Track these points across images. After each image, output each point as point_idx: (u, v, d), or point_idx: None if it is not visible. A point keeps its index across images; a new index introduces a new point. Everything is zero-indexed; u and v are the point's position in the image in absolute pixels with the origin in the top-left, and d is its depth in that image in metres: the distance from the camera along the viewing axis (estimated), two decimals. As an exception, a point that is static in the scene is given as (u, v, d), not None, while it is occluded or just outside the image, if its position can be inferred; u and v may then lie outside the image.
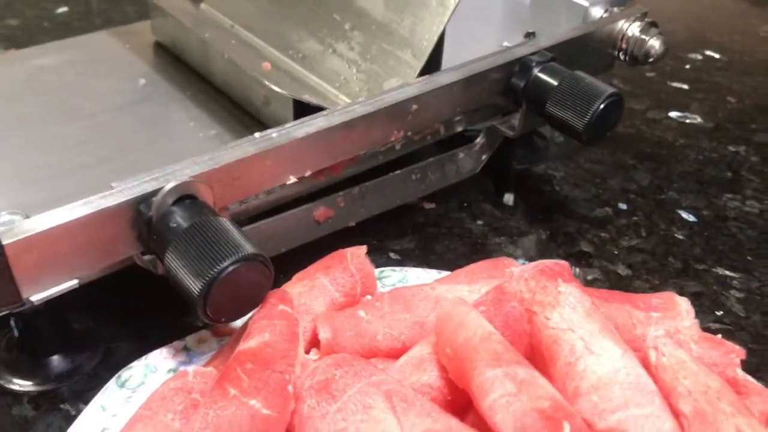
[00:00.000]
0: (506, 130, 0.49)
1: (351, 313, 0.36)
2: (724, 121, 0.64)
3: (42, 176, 0.42)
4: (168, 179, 0.34)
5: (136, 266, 0.36)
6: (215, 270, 0.30)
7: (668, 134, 0.62)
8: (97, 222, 0.33)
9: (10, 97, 0.49)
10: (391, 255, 0.48)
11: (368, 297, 0.38)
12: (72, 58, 0.53)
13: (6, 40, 0.71)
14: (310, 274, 0.38)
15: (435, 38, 0.44)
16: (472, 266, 0.39)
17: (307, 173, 0.40)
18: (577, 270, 0.47)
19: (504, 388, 0.28)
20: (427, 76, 0.44)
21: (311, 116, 0.39)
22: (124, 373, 0.36)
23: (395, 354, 0.34)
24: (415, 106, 0.42)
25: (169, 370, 0.36)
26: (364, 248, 0.39)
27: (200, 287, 0.30)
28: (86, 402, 0.37)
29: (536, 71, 0.46)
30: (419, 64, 0.44)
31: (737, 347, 0.34)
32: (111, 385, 0.36)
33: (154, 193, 0.34)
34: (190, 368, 0.33)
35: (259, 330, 0.32)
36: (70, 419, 0.37)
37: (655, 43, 0.51)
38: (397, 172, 0.46)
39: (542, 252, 0.49)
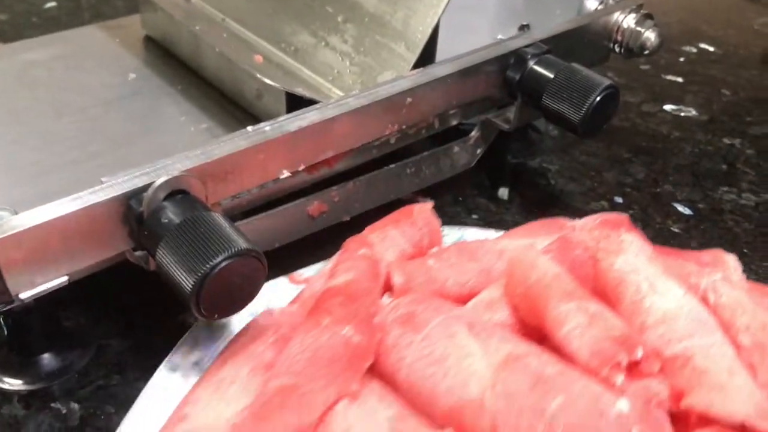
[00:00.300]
0: (501, 123, 0.48)
1: (421, 262, 0.38)
2: (719, 114, 0.64)
3: (31, 172, 0.41)
4: (159, 174, 0.34)
5: (128, 262, 0.36)
6: (208, 266, 0.30)
7: (663, 127, 0.62)
8: (87, 218, 0.33)
9: (-1, 92, 0.48)
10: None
11: (434, 249, 0.40)
12: (61, 52, 0.52)
13: (-6, 34, 0.70)
14: (380, 227, 0.40)
15: (429, 30, 0.43)
16: (530, 224, 0.41)
17: (301, 167, 0.40)
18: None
19: (577, 320, 0.30)
20: (421, 68, 0.43)
21: (304, 110, 0.39)
22: None
23: (463, 300, 0.36)
24: (409, 99, 0.42)
25: (251, 314, 0.37)
26: (430, 203, 0.42)
27: (193, 283, 0.30)
28: (78, 401, 0.37)
29: (531, 64, 0.45)
30: (413, 57, 0.43)
31: None
32: (199, 323, 0.37)
33: (145, 188, 0.33)
34: (276, 308, 0.36)
35: (343, 270, 0.35)
36: (61, 418, 0.36)
37: (650, 36, 0.51)
38: (392, 166, 0.46)
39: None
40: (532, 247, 0.36)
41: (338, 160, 0.42)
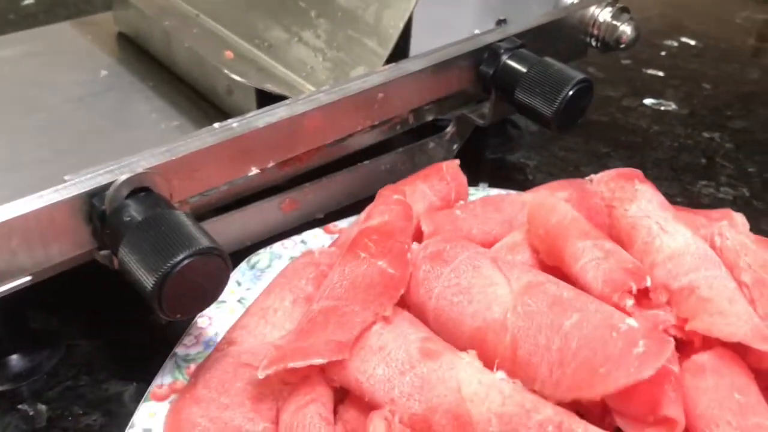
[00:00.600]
0: (476, 118, 0.48)
1: (449, 212, 0.40)
2: (699, 107, 0.64)
3: (-2, 170, 0.41)
4: (122, 171, 0.33)
5: (96, 262, 0.35)
6: (169, 264, 0.29)
7: (643, 121, 0.62)
8: (49, 216, 0.32)
9: (-32, 90, 0.47)
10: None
11: (461, 203, 0.43)
12: (33, 49, 0.51)
13: (-30, 32, 0.69)
14: (410, 182, 0.43)
15: (401, 25, 0.43)
16: (550, 183, 0.43)
17: (270, 164, 0.39)
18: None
19: (593, 254, 0.33)
20: (393, 63, 0.43)
21: (273, 105, 0.39)
22: (253, 258, 0.41)
23: (487, 246, 0.38)
24: (381, 95, 0.42)
25: (291, 258, 0.40)
26: (457, 161, 0.44)
27: (153, 282, 0.29)
28: (46, 402, 0.37)
29: (505, 58, 0.45)
30: (385, 52, 0.43)
31: None
32: (243, 266, 0.40)
33: (108, 186, 0.33)
34: (315, 249, 0.39)
35: (379, 213, 0.38)
36: (28, 420, 0.36)
37: (626, 29, 0.50)
38: (366, 162, 0.46)
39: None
40: (551, 193, 0.39)
41: (310, 157, 0.42)
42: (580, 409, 0.30)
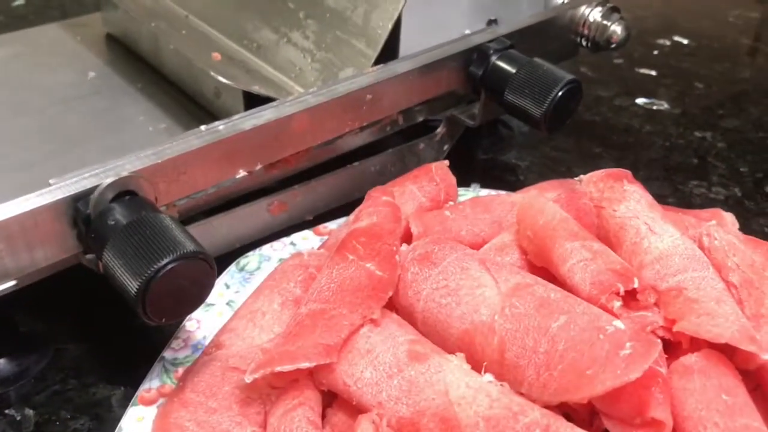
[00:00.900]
0: (466, 119, 0.48)
1: (438, 213, 0.40)
2: (691, 107, 0.64)
3: (-17, 173, 0.41)
4: (108, 175, 0.33)
5: (83, 266, 0.35)
6: (153, 268, 0.29)
7: (635, 121, 0.62)
8: (34, 220, 0.32)
9: (-45, 92, 0.47)
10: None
11: (450, 203, 0.43)
12: (20, 51, 0.51)
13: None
14: (399, 183, 0.43)
15: (389, 26, 0.43)
16: (541, 183, 0.42)
17: (258, 166, 0.39)
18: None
19: (581, 255, 0.33)
20: (381, 65, 0.43)
21: (260, 107, 0.38)
22: (242, 260, 0.41)
23: (476, 247, 0.38)
24: (369, 96, 0.41)
25: (280, 260, 0.40)
26: (446, 162, 0.44)
27: (137, 286, 0.29)
28: (33, 407, 0.36)
29: (494, 59, 0.45)
30: (373, 54, 0.43)
31: None
32: (232, 268, 0.40)
33: (92, 189, 0.32)
34: (304, 250, 0.39)
35: (367, 215, 0.38)
36: (16, 425, 0.36)
37: (616, 29, 0.50)
38: (356, 163, 0.46)
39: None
40: (541, 194, 0.39)
41: (299, 159, 0.42)
42: (567, 411, 0.30)
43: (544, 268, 0.35)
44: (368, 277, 0.34)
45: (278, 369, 0.30)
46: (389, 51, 0.44)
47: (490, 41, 0.45)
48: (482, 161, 0.55)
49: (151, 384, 0.34)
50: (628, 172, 0.41)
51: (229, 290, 0.39)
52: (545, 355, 0.29)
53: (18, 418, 0.36)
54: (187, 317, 0.37)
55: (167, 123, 0.45)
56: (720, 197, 0.53)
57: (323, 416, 0.32)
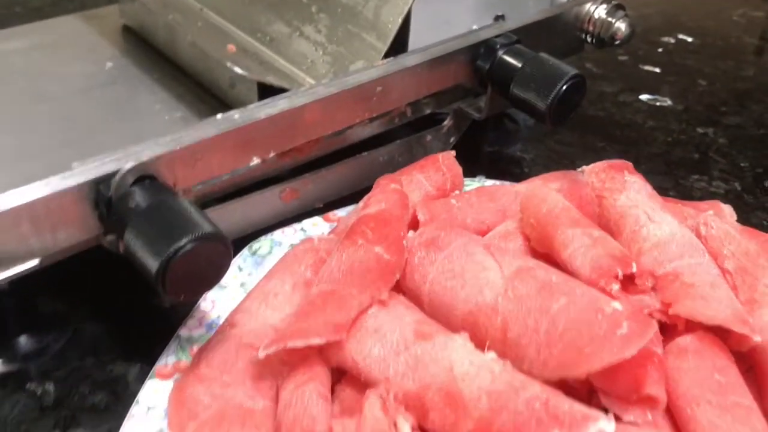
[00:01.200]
0: (473, 112, 0.49)
1: (444, 201, 0.42)
2: (694, 103, 0.65)
3: (5, 158, 0.42)
4: (128, 160, 0.34)
5: (102, 247, 0.37)
6: (172, 248, 0.31)
7: (638, 117, 0.63)
8: (57, 202, 0.33)
9: (-24, 81, 0.49)
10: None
11: (456, 192, 0.44)
12: (39, 41, 0.52)
13: (-23, 25, 0.70)
14: (407, 172, 0.44)
15: (399, 20, 0.44)
16: (544, 175, 0.44)
17: (271, 154, 0.40)
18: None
19: (582, 241, 0.35)
20: (391, 58, 0.44)
21: (274, 98, 0.40)
22: (255, 245, 0.42)
23: (481, 235, 0.39)
24: (379, 88, 0.43)
25: (291, 245, 0.42)
26: (453, 152, 0.45)
27: (158, 266, 0.31)
28: (55, 382, 0.38)
29: (501, 53, 0.46)
30: (384, 47, 0.44)
31: None
32: (244, 252, 0.41)
33: (114, 173, 0.34)
34: (314, 236, 0.40)
35: (376, 201, 0.39)
36: (36, 398, 0.37)
37: (621, 26, 0.51)
38: (365, 153, 0.47)
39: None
40: (544, 183, 0.41)
41: (310, 148, 0.43)
42: (567, 389, 0.31)
43: (546, 254, 0.37)
44: (377, 261, 0.35)
45: (290, 345, 0.31)
46: (399, 45, 0.45)
47: (497, 36, 0.47)
48: (488, 153, 0.57)
49: (168, 360, 0.36)
50: (629, 164, 0.42)
51: (242, 273, 0.40)
52: (546, 334, 0.30)
53: (38, 393, 0.37)
54: (202, 298, 0.38)
55: (183, 112, 0.47)
56: (720, 191, 0.54)
57: (332, 392, 0.33)
